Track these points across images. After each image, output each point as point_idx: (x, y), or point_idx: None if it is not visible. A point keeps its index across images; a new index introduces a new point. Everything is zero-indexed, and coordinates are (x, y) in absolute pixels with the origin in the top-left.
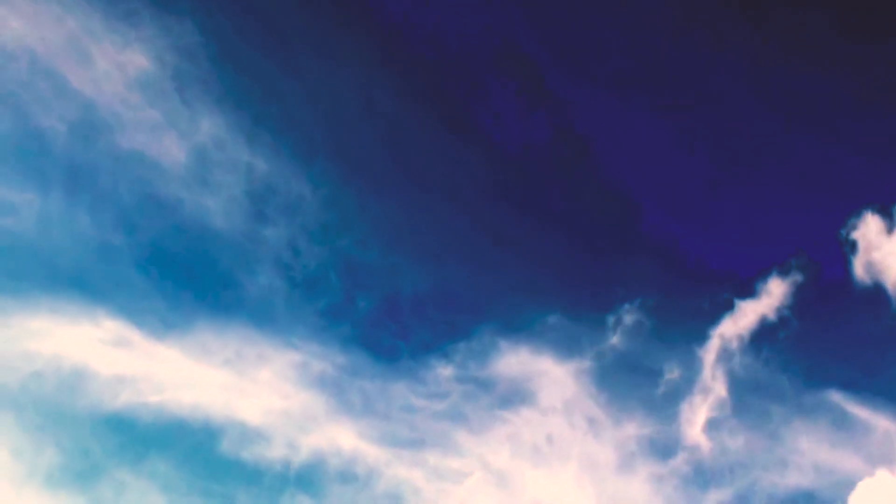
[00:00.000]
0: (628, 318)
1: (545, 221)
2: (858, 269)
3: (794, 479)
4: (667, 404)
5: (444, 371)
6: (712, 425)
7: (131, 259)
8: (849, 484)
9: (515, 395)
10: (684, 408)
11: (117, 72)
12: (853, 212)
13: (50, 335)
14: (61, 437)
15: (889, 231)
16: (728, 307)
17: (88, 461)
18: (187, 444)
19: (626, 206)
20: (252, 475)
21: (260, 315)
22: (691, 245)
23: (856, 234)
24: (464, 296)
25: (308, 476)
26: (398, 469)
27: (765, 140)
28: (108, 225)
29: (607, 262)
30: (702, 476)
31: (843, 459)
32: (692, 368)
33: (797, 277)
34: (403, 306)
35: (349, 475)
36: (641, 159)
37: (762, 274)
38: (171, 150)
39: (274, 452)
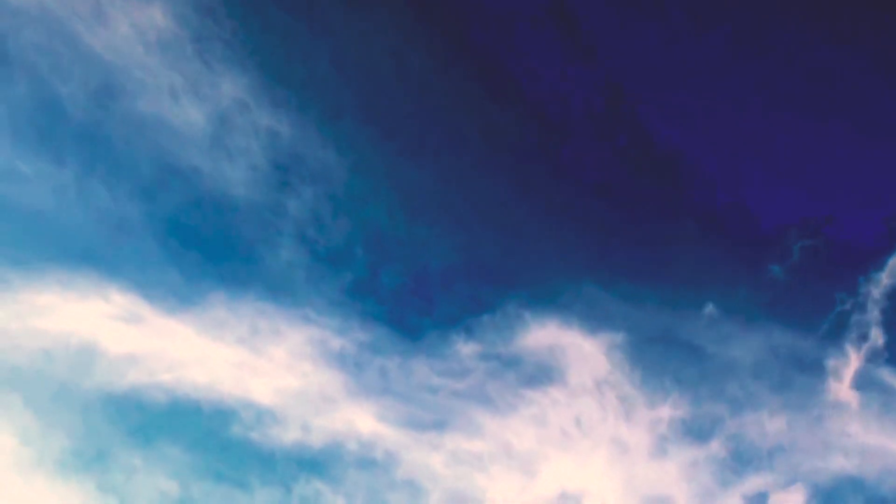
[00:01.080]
0: (670, 290)
1: (582, 184)
2: None
3: (840, 463)
4: (705, 383)
5: (466, 347)
6: (753, 405)
7: (144, 230)
8: None
9: (542, 373)
10: (724, 387)
11: (135, 33)
12: None
13: (58, 311)
14: (70, 419)
15: None
16: None
17: (98, 445)
18: (199, 425)
19: (674, 169)
20: (266, 459)
21: (279, 290)
22: (739, 210)
23: None
24: (491, 266)
25: (324, 461)
26: (417, 454)
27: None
28: (121, 195)
29: (649, 228)
30: (740, 460)
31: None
32: (734, 344)
33: None
34: (430, 281)
35: (367, 460)
36: (689, 119)
37: None
38: (191, 116)
39: (289, 435)
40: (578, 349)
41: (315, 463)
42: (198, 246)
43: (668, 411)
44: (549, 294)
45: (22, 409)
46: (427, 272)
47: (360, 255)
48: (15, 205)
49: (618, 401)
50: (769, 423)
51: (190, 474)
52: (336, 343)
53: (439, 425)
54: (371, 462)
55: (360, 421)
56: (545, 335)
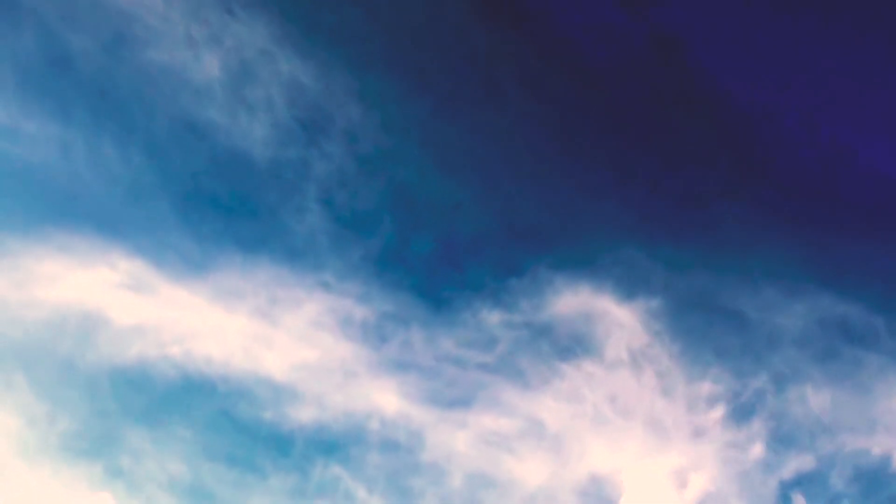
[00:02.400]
0: (713, 253)
1: (623, 140)
2: None
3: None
4: (748, 355)
5: (493, 315)
6: (797, 380)
7: (154, 191)
8: None
9: (574, 344)
10: (768, 359)
11: None
12: None
13: (60, 280)
14: (76, 399)
15: None
16: None
17: (105, 427)
18: (211, 404)
19: (726, 119)
20: (282, 440)
21: (298, 256)
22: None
23: None
24: (521, 227)
25: (343, 443)
26: (442, 434)
27: None
28: (131, 153)
29: (697, 185)
30: (782, 441)
31: None
32: (779, 311)
33: None
34: (459, 245)
35: (389, 442)
36: (742, 65)
37: None
38: (208, 67)
39: (306, 414)
40: (613, 317)
41: (334, 445)
42: (212, 208)
43: (707, 387)
44: (581, 256)
45: (26, 389)
46: (456, 236)
47: (387, 219)
48: (16, 164)
49: (655, 376)
50: (814, 400)
51: (201, 458)
52: (359, 313)
53: (465, 402)
54: (394, 444)
55: (383, 398)
56: (577, 301)
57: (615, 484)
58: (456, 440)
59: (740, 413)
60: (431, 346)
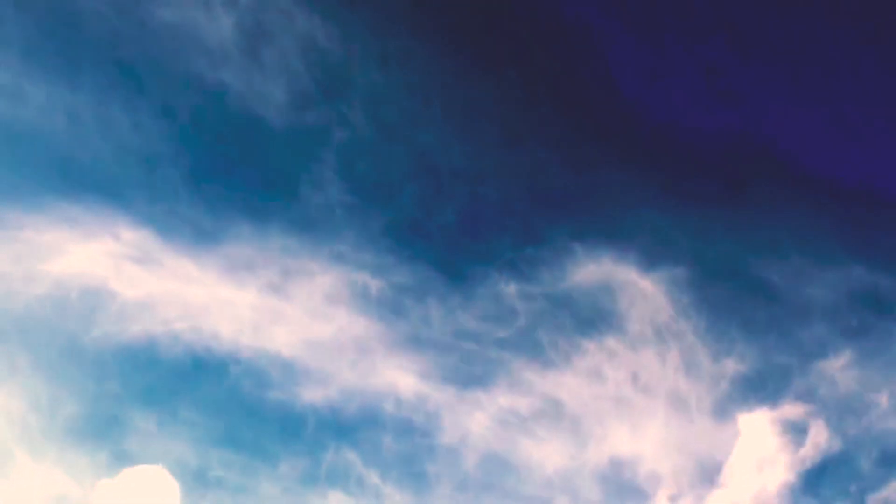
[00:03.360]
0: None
1: (646, 101)
2: None
3: None
4: (775, 330)
5: (510, 287)
6: (826, 356)
7: (161, 157)
8: None
9: (596, 318)
10: (796, 335)
11: None
12: None
13: (63, 252)
14: (79, 379)
15: None
16: None
17: (111, 409)
18: (219, 383)
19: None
20: (294, 424)
21: (313, 228)
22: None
23: None
24: (540, 193)
25: (357, 425)
26: (458, 416)
27: None
28: (138, 116)
29: (719, 152)
30: (809, 421)
31: None
32: (808, 282)
33: None
34: (481, 216)
35: (404, 423)
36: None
37: None
38: (221, 25)
39: (318, 395)
40: (636, 288)
41: (347, 428)
42: (224, 176)
43: (732, 365)
44: (603, 224)
45: (30, 370)
46: (476, 205)
47: (407, 188)
48: (19, 129)
49: (679, 353)
50: (843, 378)
51: (208, 442)
52: (374, 286)
53: (482, 381)
54: (409, 426)
55: (398, 377)
56: (598, 272)
57: (635, 468)
58: (472, 421)
59: (765, 394)
60: (449, 321)
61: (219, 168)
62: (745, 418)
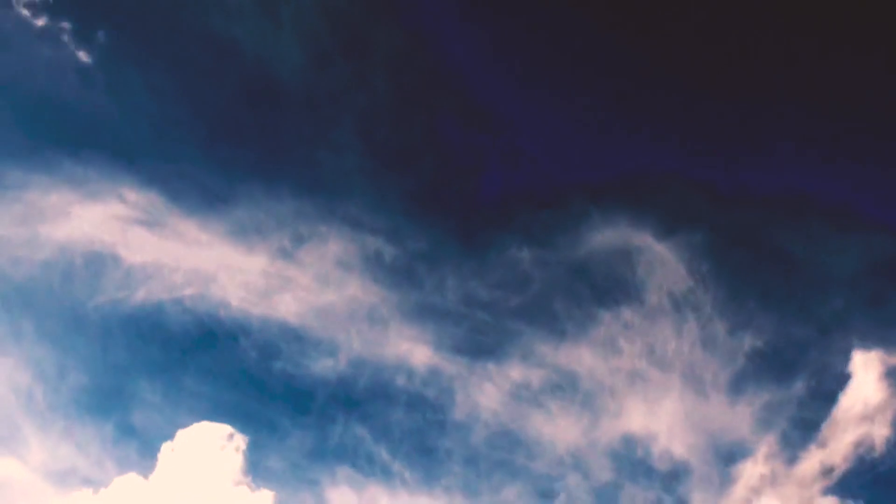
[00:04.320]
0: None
1: (674, 58)
2: None
3: None
4: (793, 301)
5: (526, 253)
6: (845, 330)
7: (173, 116)
8: None
9: (611, 286)
10: (814, 306)
11: None
12: None
13: (67, 215)
14: (85, 349)
15: None
16: None
17: (117, 380)
18: (225, 354)
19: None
20: (302, 396)
21: (327, 192)
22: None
23: None
24: (558, 156)
25: (367, 398)
26: (470, 388)
27: None
28: (153, 77)
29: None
30: (824, 400)
31: None
32: (828, 250)
33: None
34: (496, 180)
35: (415, 398)
36: None
37: None
38: None
39: (328, 367)
40: (653, 254)
41: (357, 401)
42: (235, 137)
43: (749, 340)
44: (620, 187)
45: (35, 339)
46: (493, 169)
47: (426, 151)
48: (25, 87)
49: (696, 326)
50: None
51: (214, 414)
52: (388, 252)
53: (495, 352)
54: (420, 400)
55: (409, 348)
56: (615, 236)
57: (648, 446)
58: (484, 396)
59: (781, 370)
60: (462, 289)
61: (231, 129)
62: (761, 397)
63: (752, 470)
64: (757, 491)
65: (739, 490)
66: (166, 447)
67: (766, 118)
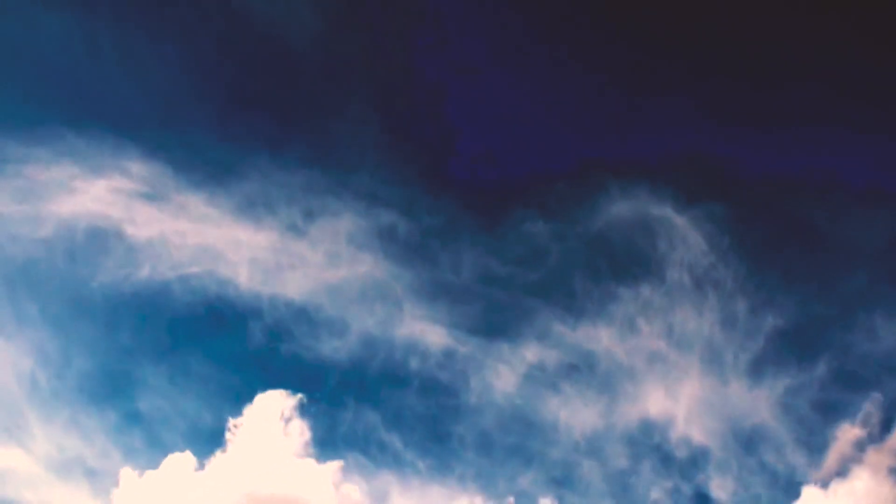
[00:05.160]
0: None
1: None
2: None
3: None
4: (817, 277)
5: (541, 226)
6: (869, 309)
7: (180, 85)
8: None
9: (629, 261)
10: (838, 282)
11: None
12: None
13: (68, 189)
14: (89, 332)
15: None
16: None
17: (121, 365)
18: (232, 335)
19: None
20: (312, 380)
21: (341, 165)
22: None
23: None
24: (575, 123)
25: (379, 382)
26: (484, 370)
27: None
28: (162, 44)
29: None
30: (847, 383)
31: None
32: (853, 222)
33: None
34: (511, 149)
35: (428, 381)
36: None
37: None
38: None
39: (339, 347)
40: (672, 227)
41: (368, 384)
42: (243, 104)
43: (771, 321)
44: (638, 156)
45: (39, 322)
46: (507, 136)
47: (444, 121)
48: (28, 57)
49: (717, 303)
50: (885, 333)
51: (221, 399)
52: (402, 227)
53: (510, 332)
54: (433, 383)
55: (422, 328)
56: (632, 208)
57: (666, 431)
58: (499, 378)
59: (803, 351)
60: (478, 265)
61: (241, 98)
62: (782, 379)
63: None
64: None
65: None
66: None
67: (793, 93)
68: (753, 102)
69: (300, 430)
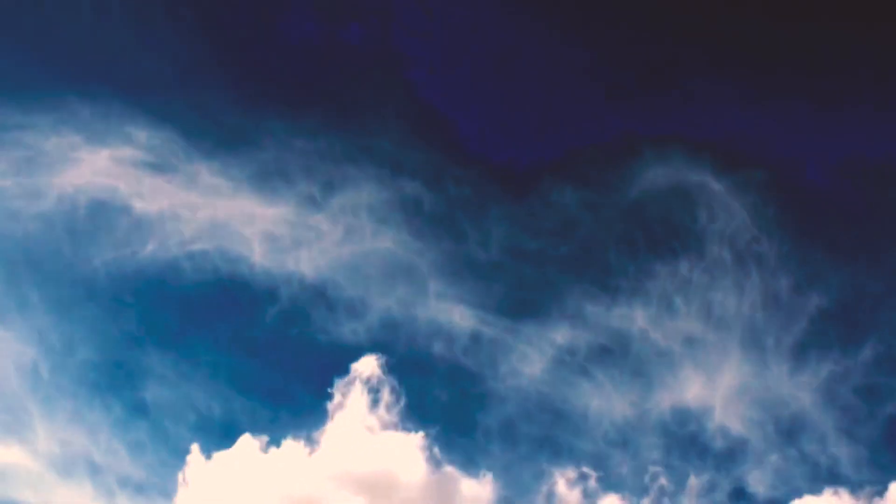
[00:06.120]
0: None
1: None
2: None
3: None
4: (866, 250)
5: (571, 195)
6: None
7: (186, 44)
8: None
9: (665, 231)
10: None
11: None
12: None
13: (69, 160)
14: (91, 316)
15: None
16: None
17: (125, 353)
18: (242, 317)
19: None
20: (329, 367)
21: (360, 130)
22: None
23: None
24: (604, 80)
25: (399, 367)
26: (512, 355)
27: None
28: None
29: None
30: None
31: None
32: None
33: None
34: (540, 111)
35: (454, 368)
36: None
37: None
38: None
39: (357, 330)
40: (711, 194)
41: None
42: (257, 66)
43: (815, 300)
44: (673, 115)
45: (39, 307)
46: (538, 96)
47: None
48: (22, 15)
49: (759, 280)
50: None
51: (230, 386)
52: (428, 199)
53: (539, 313)
54: (458, 370)
55: (447, 308)
56: (668, 173)
57: (702, 420)
58: (527, 363)
59: (849, 334)
60: (507, 239)
61: (255, 60)
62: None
63: None
64: None
65: None
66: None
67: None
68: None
69: None
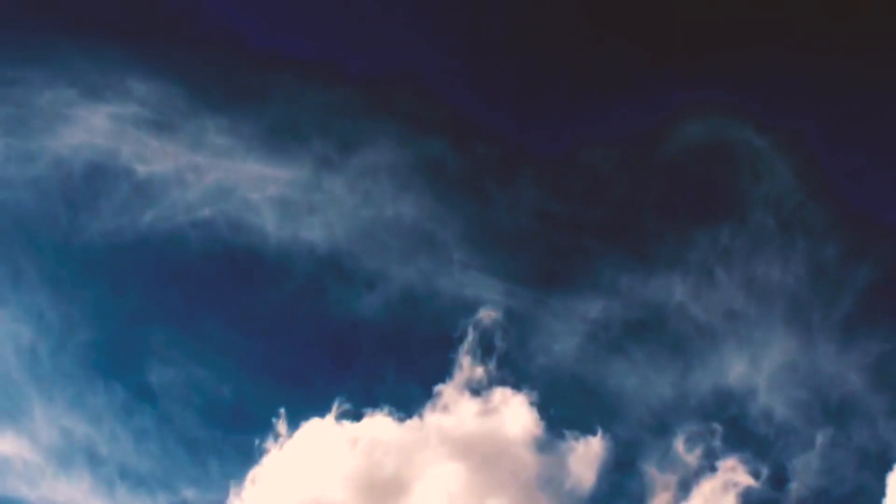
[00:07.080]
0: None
1: None
2: None
3: None
4: None
5: (600, 152)
6: None
7: None
8: None
9: (704, 196)
10: None
11: None
12: None
13: (63, 118)
14: (92, 294)
15: None
16: None
17: (128, 333)
18: (250, 289)
19: None
20: (345, 346)
21: (380, 80)
22: None
23: None
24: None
25: (423, 346)
26: (541, 329)
27: None
28: None
29: None
30: None
31: None
32: None
33: None
34: (566, 60)
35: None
36: None
37: None
38: None
39: (376, 304)
40: (752, 151)
41: (411, 350)
42: (269, 11)
43: (865, 271)
44: (710, 66)
45: (35, 283)
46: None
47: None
48: None
49: (806, 248)
50: None
51: (239, 368)
52: (452, 160)
53: (569, 281)
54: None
55: (472, 281)
56: (704, 129)
57: (744, 403)
58: (558, 340)
59: None
60: (538, 202)
61: (264, 5)
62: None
63: None
64: None
65: None
66: None
67: None
68: None
69: None
